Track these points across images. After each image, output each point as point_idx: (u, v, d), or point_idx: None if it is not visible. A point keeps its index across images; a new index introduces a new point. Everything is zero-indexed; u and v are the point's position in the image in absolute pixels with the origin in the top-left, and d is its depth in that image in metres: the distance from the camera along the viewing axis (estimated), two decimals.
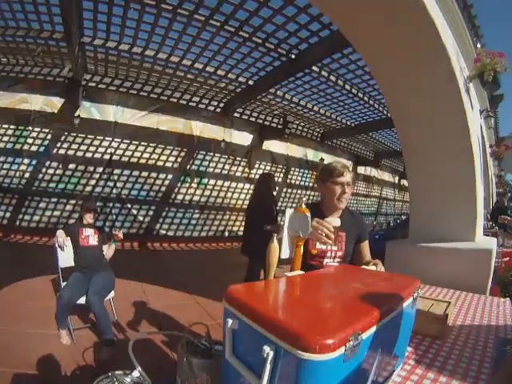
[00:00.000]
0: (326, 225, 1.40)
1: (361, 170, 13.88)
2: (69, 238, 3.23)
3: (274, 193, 4.72)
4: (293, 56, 5.89)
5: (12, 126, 7.04)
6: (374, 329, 0.76)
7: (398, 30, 2.60)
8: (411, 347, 1.24)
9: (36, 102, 7.15)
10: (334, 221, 1.54)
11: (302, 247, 1.35)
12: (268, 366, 0.66)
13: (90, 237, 3.32)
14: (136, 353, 1.03)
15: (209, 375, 0.97)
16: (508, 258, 3.90)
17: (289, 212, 1.36)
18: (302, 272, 1.23)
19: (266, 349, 0.66)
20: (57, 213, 7.46)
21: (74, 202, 7.45)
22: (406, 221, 10.40)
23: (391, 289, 1.03)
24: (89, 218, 3.36)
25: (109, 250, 3.41)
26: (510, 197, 7.82)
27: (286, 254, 1.36)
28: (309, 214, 1.32)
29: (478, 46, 3.73)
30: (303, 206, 1.35)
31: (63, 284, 3.04)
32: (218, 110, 9.03)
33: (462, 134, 2.85)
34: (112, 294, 3.22)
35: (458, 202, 2.99)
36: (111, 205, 7.97)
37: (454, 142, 2.91)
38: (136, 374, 1.04)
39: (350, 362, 0.68)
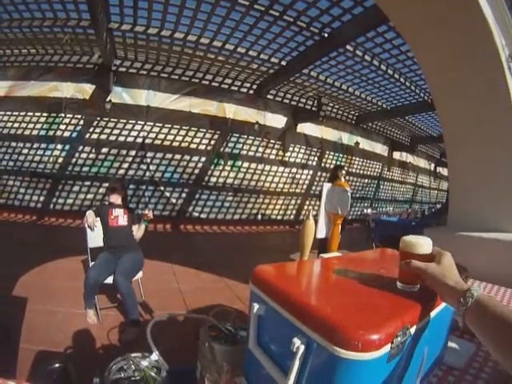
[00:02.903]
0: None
1: (396, 155, 13.35)
2: (98, 219, 3.24)
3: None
4: (325, 35, 5.63)
5: (44, 114, 7.25)
6: (423, 322, 0.64)
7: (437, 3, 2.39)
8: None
9: (67, 90, 7.30)
10: None
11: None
12: (297, 363, 0.57)
13: (120, 217, 3.32)
14: (159, 335, 0.99)
15: (231, 363, 0.89)
16: None
17: (326, 186, 1.24)
18: (340, 254, 1.11)
19: (296, 342, 0.57)
20: (90, 196, 7.67)
21: (107, 185, 7.55)
22: (441, 209, 9.95)
23: None
24: (114, 198, 3.35)
25: (138, 231, 3.40)
26: None
27: (322, 234, 1.25)
28: (349, 189, 1.20)
29: None
30: (342, 179, 1.22)
31: (91, 264, 3.08)
32: (251, 92, 8.86)
33: (507, 116, 2.60)
34: (140, 274, 3.22)
35: (502, 189, 2.75)
36: (144, 187, 8.10)
37: (498, 124, 2.67)
38: (154, 357, 0.99)
39: (393, 362, 0.57)
